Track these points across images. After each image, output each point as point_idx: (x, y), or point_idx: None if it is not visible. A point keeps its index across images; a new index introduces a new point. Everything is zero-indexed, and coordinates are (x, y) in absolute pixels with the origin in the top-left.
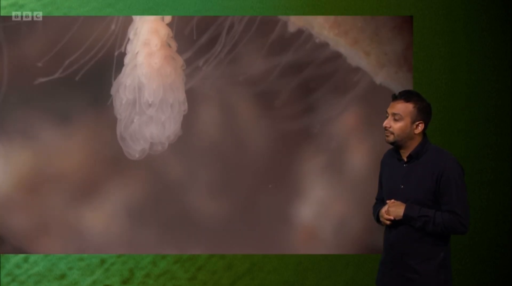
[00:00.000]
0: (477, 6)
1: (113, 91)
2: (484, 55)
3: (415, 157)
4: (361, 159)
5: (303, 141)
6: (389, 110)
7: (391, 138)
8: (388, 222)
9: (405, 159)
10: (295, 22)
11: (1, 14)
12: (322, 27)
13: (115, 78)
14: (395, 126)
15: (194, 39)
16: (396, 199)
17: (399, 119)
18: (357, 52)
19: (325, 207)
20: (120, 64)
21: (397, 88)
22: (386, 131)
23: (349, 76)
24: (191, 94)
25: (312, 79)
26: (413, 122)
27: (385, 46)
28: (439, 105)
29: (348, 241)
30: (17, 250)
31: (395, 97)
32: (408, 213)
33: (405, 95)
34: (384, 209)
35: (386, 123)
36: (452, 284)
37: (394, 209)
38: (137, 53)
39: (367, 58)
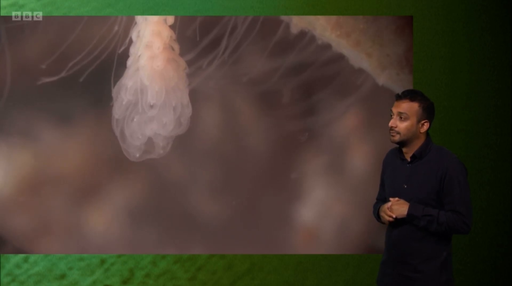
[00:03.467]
0: (477, 6)
1: (114, 93)
2: (484, 55)
3: (419, 157)
4: (362, 159)
5: (305, 142)
6: (395, 110)
7: (396, 138)
8: (389, 219)
9: (409, 159)
10: (297, 23)
11: (1, 14)
12: (324, 29)
13: (115, 79)
14: (401, 125)
15: (197, 40)
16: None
17: (405, 118)
18: (359, 54)
19: (326, 207)
20: (121, 65)
21: (398, 90)
22: (391, 131)
23: (352, 78)
24: (193, 95)
25: (315, 81)
26: (418, 121)
27: (386, 48)
28: (439, 105)
29: (349, 241)
30: (17, 250)
31: (399, 97)
32: (412, 212)
33: (410, 95)
34: (387, 206)
35: (392, 123)
36: (454, 284)
37: (397, 208)
38: (139, 55)
39: (369, 59)
